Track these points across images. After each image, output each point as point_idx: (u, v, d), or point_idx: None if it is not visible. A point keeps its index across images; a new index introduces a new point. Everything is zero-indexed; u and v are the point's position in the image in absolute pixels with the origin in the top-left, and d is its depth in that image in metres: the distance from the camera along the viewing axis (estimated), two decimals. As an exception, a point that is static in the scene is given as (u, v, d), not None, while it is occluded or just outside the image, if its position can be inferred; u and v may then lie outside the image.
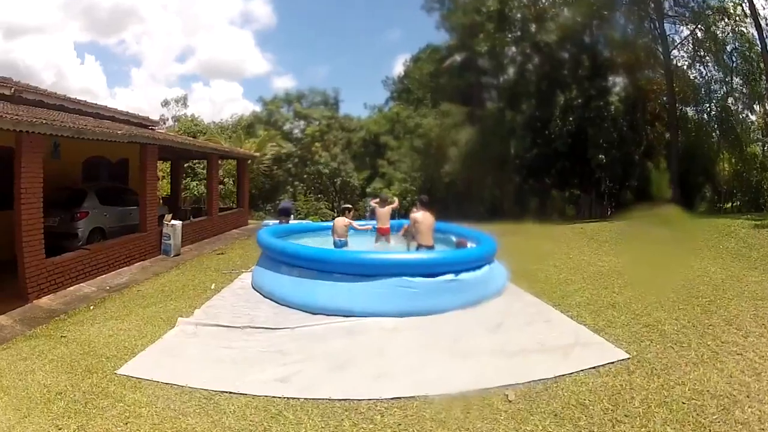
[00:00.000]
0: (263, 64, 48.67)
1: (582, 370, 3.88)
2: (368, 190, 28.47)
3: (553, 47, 21.77)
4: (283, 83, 54.42)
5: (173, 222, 10.03)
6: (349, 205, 9.60)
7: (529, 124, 23.63)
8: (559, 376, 3.79)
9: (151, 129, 13.53)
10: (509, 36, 23.32)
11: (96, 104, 12.29)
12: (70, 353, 4.61)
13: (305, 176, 28.62)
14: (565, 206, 25.14)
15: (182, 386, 3.78)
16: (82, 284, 7.91)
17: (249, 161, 18.46)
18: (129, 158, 12.40)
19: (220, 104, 47.19)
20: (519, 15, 22.31)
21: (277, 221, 12.95)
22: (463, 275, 5.88)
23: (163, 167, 17.85)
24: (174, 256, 9.91)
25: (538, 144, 23.55)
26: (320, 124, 28.75)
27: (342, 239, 8.45)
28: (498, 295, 6.18)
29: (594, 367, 3.94)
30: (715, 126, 20.32)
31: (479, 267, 6.23)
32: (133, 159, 12.96)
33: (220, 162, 23.82)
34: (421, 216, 7.36)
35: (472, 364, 4.09)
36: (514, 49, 24.15)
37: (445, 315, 5.37)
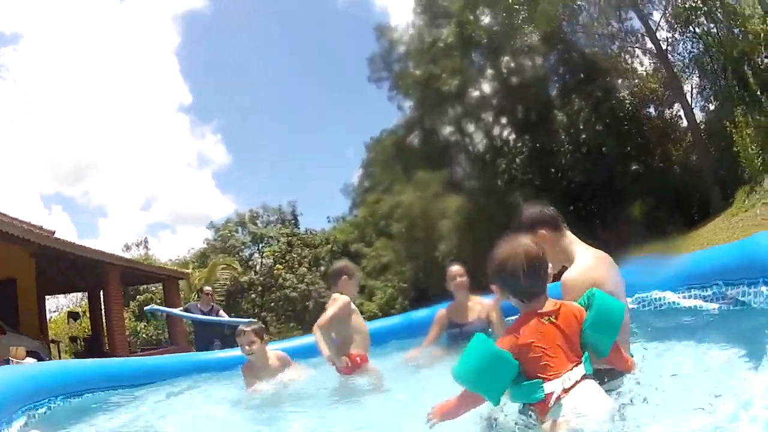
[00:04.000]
0: (227, 205, 46.86)
1: None
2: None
3: (533, 57, 18.29)
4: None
5: (26, 359, 6.15)
6: (250, 320, 4.30)
7: (531, 161, 19.31)
8: None
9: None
10: (477, 58, 19.89)
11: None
12: None
13: (272, 304, 24.97)
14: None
15: None
16: None
17: (181, 281, 14.36)
18: (17, 278, 9.14)
19: (187, 246, 43.72)
20: (484, 37, 18.85)
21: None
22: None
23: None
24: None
25: (544, 189, 18.13)
26: (279, 243, 26.04)
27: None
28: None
29: None
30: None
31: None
32: (22, 279, 9.67)
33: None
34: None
35: None
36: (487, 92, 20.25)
37: None
